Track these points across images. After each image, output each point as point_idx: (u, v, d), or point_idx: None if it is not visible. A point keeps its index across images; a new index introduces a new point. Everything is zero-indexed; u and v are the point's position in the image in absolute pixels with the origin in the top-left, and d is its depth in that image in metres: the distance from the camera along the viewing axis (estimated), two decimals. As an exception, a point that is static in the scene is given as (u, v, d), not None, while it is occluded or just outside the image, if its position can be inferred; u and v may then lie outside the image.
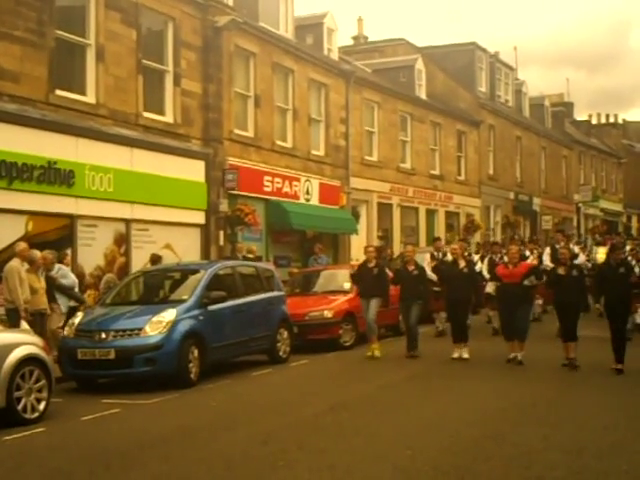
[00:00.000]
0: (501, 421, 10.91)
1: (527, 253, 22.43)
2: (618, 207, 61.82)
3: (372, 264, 18.10)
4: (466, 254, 21.50)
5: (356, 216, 30.37)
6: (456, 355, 16.72)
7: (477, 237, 36.50)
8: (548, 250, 21.25)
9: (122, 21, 20.25)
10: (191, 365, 14.35)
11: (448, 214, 38.40)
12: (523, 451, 9.15)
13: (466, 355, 16.70)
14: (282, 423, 11.01)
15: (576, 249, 22.11)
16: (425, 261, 20.53)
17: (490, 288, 19.52)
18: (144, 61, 20.97)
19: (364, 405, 12.16)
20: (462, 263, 17.33)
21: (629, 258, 19.73)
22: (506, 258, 21.37)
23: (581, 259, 21.07)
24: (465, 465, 8.65)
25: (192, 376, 14.34)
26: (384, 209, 33.27)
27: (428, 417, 11.32)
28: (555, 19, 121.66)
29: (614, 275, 15.20)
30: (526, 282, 16.20)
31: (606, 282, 15.24)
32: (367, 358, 17.22)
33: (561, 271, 15.63)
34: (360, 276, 18.23)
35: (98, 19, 19.55)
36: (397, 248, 32.00)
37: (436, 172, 37.47)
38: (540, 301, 22.43)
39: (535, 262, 18.63)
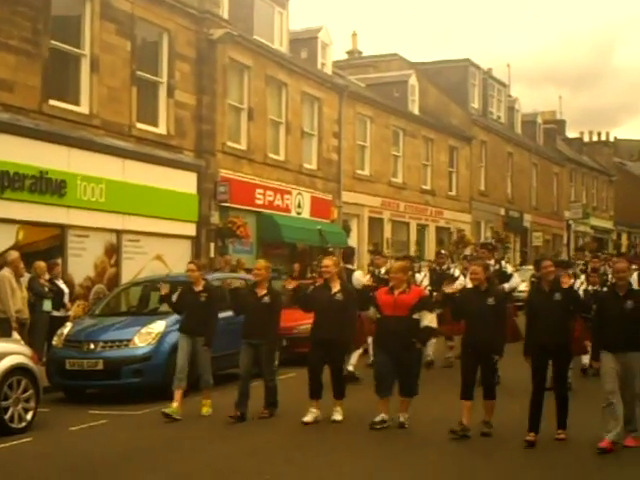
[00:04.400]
0: None
1: (456, 273, 17.86)
2: (608, 224, 62.03)
3: (199, 287, 12.99)
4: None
5: (347, 230, 30.43)
6: (308, 418, 11.74)
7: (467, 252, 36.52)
8: None
9: (117, 32, 20.31)
10: (179, 377, 14.34)
11: (439, 229, 38.49)
12: None
13: (339, 417, 11.85)
14: (269, 436, 11.04)
15: (509, 268, 16.77)
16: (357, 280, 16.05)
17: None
18: (138, 72, 21.03)
19: (353, 420, 12.18)
20: (336, 287, 12.15)
21: (578, 282, 15.67)
22: (457, 272, 18.00)
23: (515, 282, 16.04)
24: None
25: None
26: (375, 223, 33.35)
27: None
28: (540, 38, 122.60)
29: (545, 304, 10.69)
30: (416, 316, 11.32)
31: (534, 314, 10.87)
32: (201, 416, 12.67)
33: (451, 290, 11.79)
34: (182, 304, 13.19)
35: (93, 30, 19.61)
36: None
37: (427, 187, 37.58)
38: (452, 342, 17.36)
39: (423, 291, 12.72)
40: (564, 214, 53.41)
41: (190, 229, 22.68)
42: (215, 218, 23.25)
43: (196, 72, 22.96)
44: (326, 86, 30.04)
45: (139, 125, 21.00)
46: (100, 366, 13.92)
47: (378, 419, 11.23)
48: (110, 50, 20.06)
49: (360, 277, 16.12)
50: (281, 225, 25.98)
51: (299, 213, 27.98)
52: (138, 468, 9.53)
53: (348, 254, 17.54)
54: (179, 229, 22.21)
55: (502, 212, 44.66)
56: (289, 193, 27.53)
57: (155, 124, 21.79)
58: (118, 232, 20.17)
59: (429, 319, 11.45)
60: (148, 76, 21.64)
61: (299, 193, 28.09)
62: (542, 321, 10.61)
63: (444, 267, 18.44)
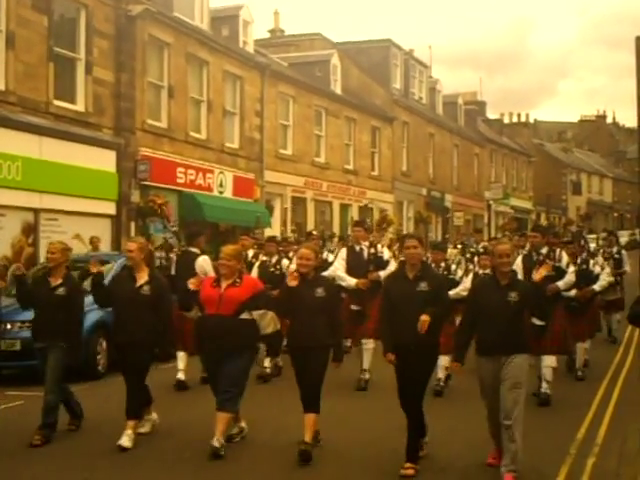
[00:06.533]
0: None
1: (330, 257, 15.51)
2: (528, 205, 63.03)
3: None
4: (273, 259, 14.29)
5: (270, 209, 30.37)
6: (124, 441, 9.28)
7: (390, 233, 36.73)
8: (343, 253, 13.53)
9: (33, 7, 19.88)
10: (99, 357, 14.29)
11: (361, 209, 38.61)
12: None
13: (127, 442, 9.30)
14: (189, 415, 10.96)
15: (386, 253, 13.54)
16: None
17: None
18: (55, 48, 20.63)
19: (272, 398, 12.16)
20: (142, 277, 9.65)
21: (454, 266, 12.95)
22: (331, 256, 15.14)
23: (392, 269, 12.12)
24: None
25: (100, 368, 14.23)
26: (298, 203, 33.33)
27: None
28: (457, 21, 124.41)
29: (406, 294, 8.50)
30: (245, 315, 9.07)
31: (392, 306, 8.61)
32: None
33: (293, 284, 8.91)
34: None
35: (9, 5, 19.19)
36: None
37: (350, 167, 37.67)
38: (348, 342, 13.74)
39: (258, 283, 9.71)
40: (485, 194, 54.09)
41: (110, 208, 22.39)
42: (135, 197, 23.02)
43: (115, 49, 22.61)
44: (248, 65, 29.85)
45: (56, 102, 20.62)
46: (17, 347, 13.73)
47: (216, 443, 8.87)
48: (26, 25, 19.63)
49: (205, 264, 12.80)
50: (203, 204, 25.79)
51: (221, 192, 27.80)
52: (56, 449, 9.41)
53: (192, 234, 14.32)
54: (98, 208, 21.90)
55: (424, 192, 45.00)
56: (211, 172, 27.33)
57: (73, 101, 21.42)
58: (35, 211, 19.82)
59: (269, 321, 9.14)
60: (66, 52, 21.25)
61: (221, 172, 27.90)
62: (401, 315, 8.41)
63: None
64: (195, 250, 13.56)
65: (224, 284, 9.07)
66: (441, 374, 12.31)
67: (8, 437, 9.91)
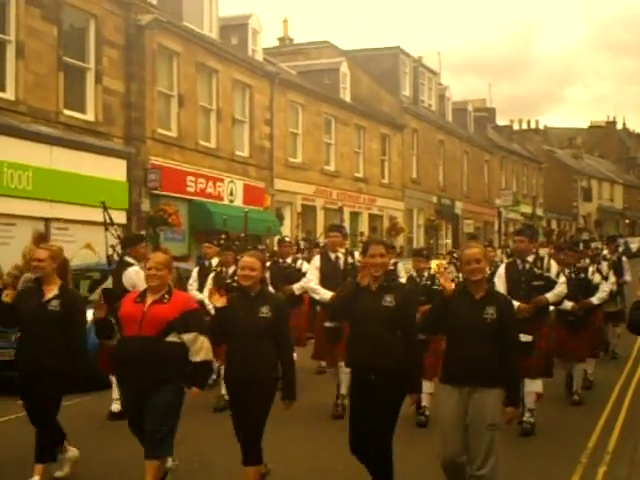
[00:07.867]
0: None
1: (304, 267, 13.31)
2: (538, 211, 62.85)
3: (51, 291, 8.24)
4: (230, 269, 11.81)
5: (280, 218, 30.39)
6: None
7: (400, 240, 36.75)
8: (317, 261, 11.89)
9: (43, 17, 19.97)
10: (109, 366, 14.15)
11: (372, 217, 38.64)
12: None
13: (63, 471, 8.49)
14: (199, 424, 10.93)
15: (357, 258, 11.23)
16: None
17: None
18: (65, 58, 20.72)
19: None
20: (51, 290, 8.20)
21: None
22: (305, 265, 13.38)
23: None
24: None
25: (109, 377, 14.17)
26: (308, 211, 33.34)
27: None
28: (463, 28, 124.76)
29: (369, 308, 7.13)
30: (173, 337, 7.32)
31: (354, 321, 7.42)
32: None
33: (219, 303, 7.26)
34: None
35: (19, 15, 19.27)
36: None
37: (360, 175, 37.70)
38: (323, 363, 13.21)
39: (189, 301, 7.81)
40: (495, 201, 54.02)
41: (120, 217, 22.29)
42: (146, 206, 23.08)
43: (124, 58, 22.69)
44: (257, 73, 29.93)
45: (66, 112, 20.70)
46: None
47: None
48: (36, 36, 19.73)
49: (135, 277, 10.65)
50: (213, 213, 25.83)
51: (232, 201, 27.85)
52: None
53: (128, 240, 12.14)
54: (109, 217, 21.90)
55: (434, 200, 45.00)
56: (221, 181, 27.39)
57: (83, 111, 21.50)
58: (46, 220, 19.89)
59: (199, 347, 7.38)
60: (75, 62, 21.35)
61: (231, 181, 27.96)
62: (360, 334, 7.16)
63: (289, 260, 13.86)
64: (130, 260, 11.25)
65: (149, 299, 7.38)
66: (425, 402, 10.66)
67: (17, 446, 9.91)
